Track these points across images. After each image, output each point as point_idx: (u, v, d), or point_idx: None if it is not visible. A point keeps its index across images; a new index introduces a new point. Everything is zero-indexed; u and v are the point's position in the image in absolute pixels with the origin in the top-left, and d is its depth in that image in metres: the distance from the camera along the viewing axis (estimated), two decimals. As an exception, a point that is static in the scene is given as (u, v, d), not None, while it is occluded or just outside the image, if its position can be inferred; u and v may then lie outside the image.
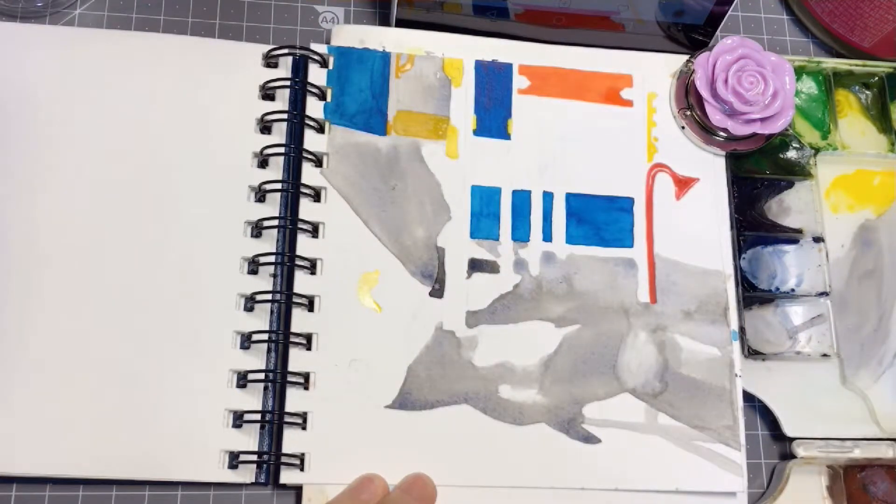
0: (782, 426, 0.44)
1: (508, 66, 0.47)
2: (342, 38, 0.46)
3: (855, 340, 0.46)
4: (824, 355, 0.45)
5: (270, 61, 0.45)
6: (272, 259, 0.42)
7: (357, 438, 0.40)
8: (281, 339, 0.41)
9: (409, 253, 0.43)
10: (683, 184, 0.47)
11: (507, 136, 0.46)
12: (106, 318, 0.40)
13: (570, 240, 0.45)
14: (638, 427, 0.42)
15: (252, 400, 0.40)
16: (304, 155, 0.44)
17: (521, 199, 0.45)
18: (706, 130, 0.47)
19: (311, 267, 0.43)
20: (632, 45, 0.49)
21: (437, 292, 0.43)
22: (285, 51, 0.45)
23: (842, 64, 0.50)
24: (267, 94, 0.45)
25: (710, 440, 0.42)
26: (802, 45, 0.52)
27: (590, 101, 0.47)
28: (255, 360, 0.41)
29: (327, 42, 0.47)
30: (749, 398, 0.44)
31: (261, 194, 0.43)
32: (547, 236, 0.45)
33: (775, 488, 0.43)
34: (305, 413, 0.40)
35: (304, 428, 0.40)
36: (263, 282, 0.42)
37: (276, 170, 0.44)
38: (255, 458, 0.39)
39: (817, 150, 0.48)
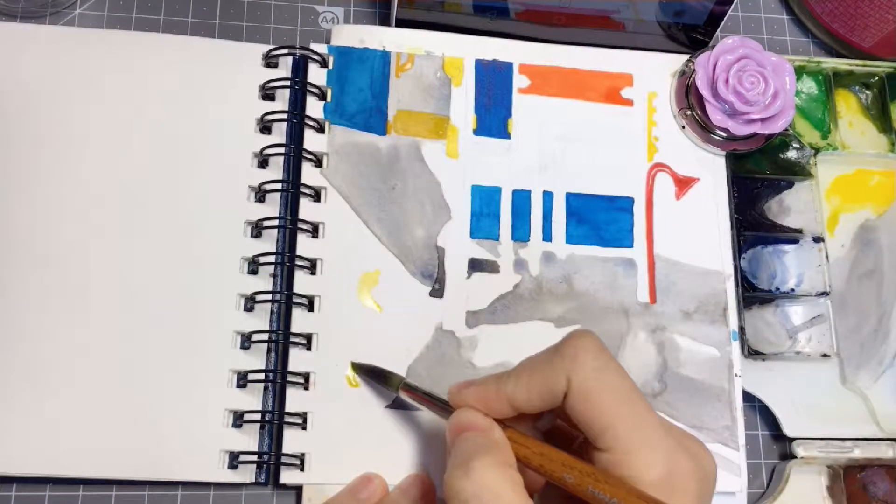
0: (782, 426, 0.44)
1: (508, 66, 0.47)
2: (342, 37, 0.46)
3: (855, 340, 0.46)
4: (824, 355, 0.45)
5: (270, 61, 0.45)
6: (272, 259, 0.42)
7: (357, 438, 0.40)
8: (281, 339, 0.41)
9: (409, 253, 0.43)
10: (683, 183, 0.47)
11: (507, 136, 0.46)
12: (105, 317, 0.40)
13: (570, 240, 0.45)
14: (638, 427, 0.42)
15: (252, 400, 0.40)
16: (304, 155, 0.44)
17: (521, 199, 0.45)
18: (706, 130, 0.47)
19: (311, 267, 0.43)
20: (632, 45, 0.49)
21: (437, 292, 0.43)
22: (285, 51, 0.45)
23: (842, 64, 0.49)
24: (267, 94, 0.45)
25: (708, 440, 0.42)
26: (802, 45, 0.52)
27: (590, 101, 0.47)
28: (255, 360, 0.41)
29: (327, 42, 0.47)
30: (749, 398, 0.44)
31: (261, 194, 0.43)
32: (547, 236, 0.45)
33: (775, 488, 0.43)
34: (305, 413, 0.40)
35: (304, 428, 0.40)
36: (263, 282, 0.42)
37: (276, 170, 0.44)
38: (255, 458, 0.39)
39: (817, 150, 0.48)
